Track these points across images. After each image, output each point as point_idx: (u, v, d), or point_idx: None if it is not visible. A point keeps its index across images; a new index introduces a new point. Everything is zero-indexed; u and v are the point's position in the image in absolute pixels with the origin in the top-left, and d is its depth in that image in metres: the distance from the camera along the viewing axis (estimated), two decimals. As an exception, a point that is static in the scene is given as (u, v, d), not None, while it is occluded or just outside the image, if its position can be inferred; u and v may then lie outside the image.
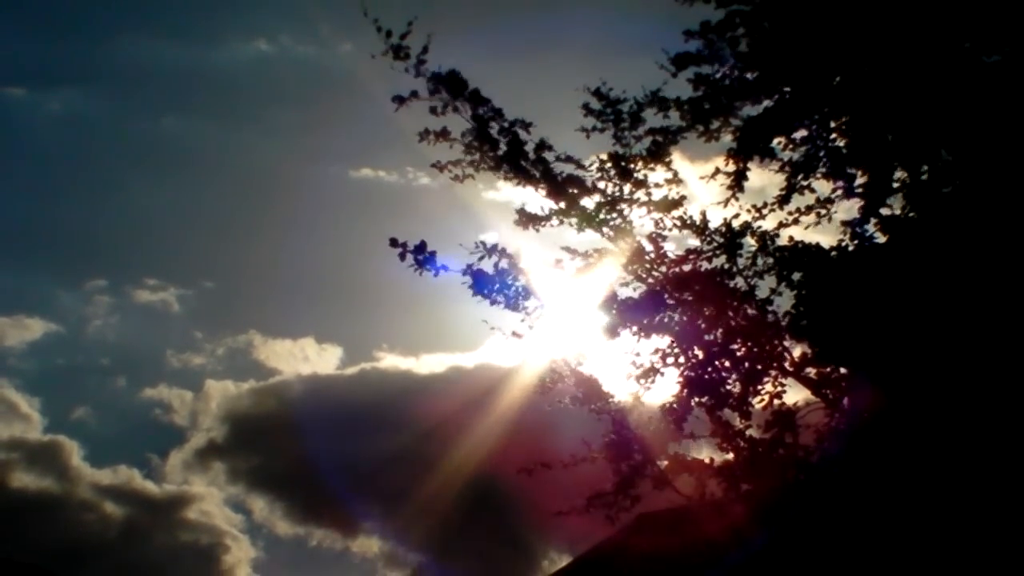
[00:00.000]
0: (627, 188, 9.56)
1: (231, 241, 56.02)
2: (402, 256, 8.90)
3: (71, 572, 31.26)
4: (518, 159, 9.22)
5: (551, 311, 9.79)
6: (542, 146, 9.28)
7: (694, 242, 10.09)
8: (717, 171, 9.67)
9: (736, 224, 9.74)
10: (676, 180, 9.55)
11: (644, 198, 9.64)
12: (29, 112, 52.22)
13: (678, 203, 9.56)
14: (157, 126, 54.44)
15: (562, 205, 9.53)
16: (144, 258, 56.82)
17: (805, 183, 9.64)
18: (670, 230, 9.68)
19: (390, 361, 50.00)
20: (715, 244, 9.75)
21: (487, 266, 9.37)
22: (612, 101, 9.36)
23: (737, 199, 9.71)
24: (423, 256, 8.93)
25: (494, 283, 9.42)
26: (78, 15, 51.98)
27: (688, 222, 9.65)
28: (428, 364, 53.31)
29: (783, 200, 9.75)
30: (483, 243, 9.34)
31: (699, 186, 9.95)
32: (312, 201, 53.92)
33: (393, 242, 8.88)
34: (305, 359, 52.95)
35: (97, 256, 55.32)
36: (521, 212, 9.63)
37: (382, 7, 9.03)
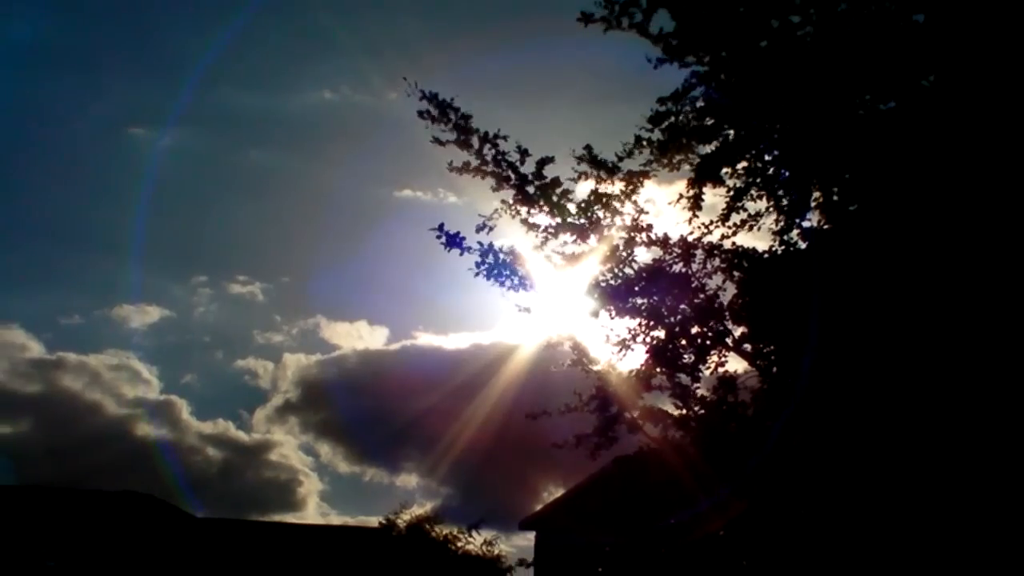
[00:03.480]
0: (606, 216, 11.34)
1: (303, 245, 68.67)
2: (438, 236, 10.91)
3: (182, 501, 36.16)
4: (525, 190, 11.09)
5: (547, 295, 11.52)
6: (544, 179, 11.04)
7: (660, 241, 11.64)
8: (681, 196, 11.33)
9: (691, 239, 11.45)
10: (642, 211, 11.32)
11: (621, 220, 11.37)
12: (148, 147, 62.38)
13: (647, 229, 11.36)
14: (246, 158, 66.57)
15: (557, 220, 11.32)
16: (236, 259, 68.67)
17: (740, 204, 11.18)
18: (639, 245, 11.42)
19: (425, 339, 60.86)
20: (675, 255, 11.49)
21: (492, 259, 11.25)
22: (598, 160, 11.19)
23: (696, 216, 11.37)
24: (451, 237, 10.99)
25: (497, 267, 11.26)
26: (186, 69, 60.81)
27: (654, 240, 11.40)
28: (455, 341, 64.46)
29: (724, 218, 11.35)
30: (491, 244, 11.27)
31: (668, 209, 11.66)
32: (365, 215, 66.09)
33: (439, 228, 11.01)
34: (359, 337, 66.07)
35: (201, 258, 67.81)
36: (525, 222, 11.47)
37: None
